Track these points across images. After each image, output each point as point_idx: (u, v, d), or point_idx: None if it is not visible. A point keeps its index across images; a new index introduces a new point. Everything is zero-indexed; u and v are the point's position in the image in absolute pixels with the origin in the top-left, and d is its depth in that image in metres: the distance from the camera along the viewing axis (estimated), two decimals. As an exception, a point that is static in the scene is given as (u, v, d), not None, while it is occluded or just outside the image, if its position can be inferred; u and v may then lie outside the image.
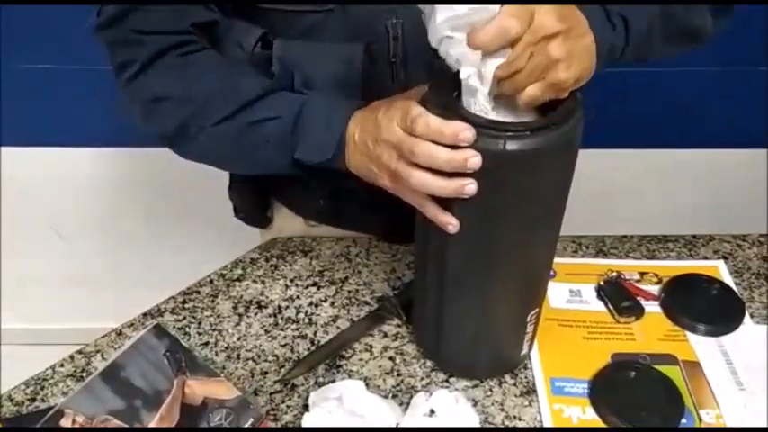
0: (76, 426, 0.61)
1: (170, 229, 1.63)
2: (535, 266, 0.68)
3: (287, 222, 0.99)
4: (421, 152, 0.58)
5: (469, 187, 0.57)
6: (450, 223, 0.60)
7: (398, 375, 0.76)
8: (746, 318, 0.80)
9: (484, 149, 0.55)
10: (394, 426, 0.69)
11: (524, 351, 0.75)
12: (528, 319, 0.71)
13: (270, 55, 0.75)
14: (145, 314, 0.85)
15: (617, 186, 1.25)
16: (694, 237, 0.93)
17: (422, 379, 0.76)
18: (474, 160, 0.56)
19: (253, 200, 0.99)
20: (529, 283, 0.69)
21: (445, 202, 0.60)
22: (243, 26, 0.76)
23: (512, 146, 0.55)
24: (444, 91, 0.61)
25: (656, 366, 0.74)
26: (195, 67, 0.73)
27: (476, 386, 0.75)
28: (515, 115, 0.60)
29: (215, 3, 0.74)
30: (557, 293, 0.84)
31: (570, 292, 0.84)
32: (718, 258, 0.89)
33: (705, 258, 0.89)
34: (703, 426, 0.70)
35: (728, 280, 0.85)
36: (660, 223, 1.01)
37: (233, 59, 0.76)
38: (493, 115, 0.58)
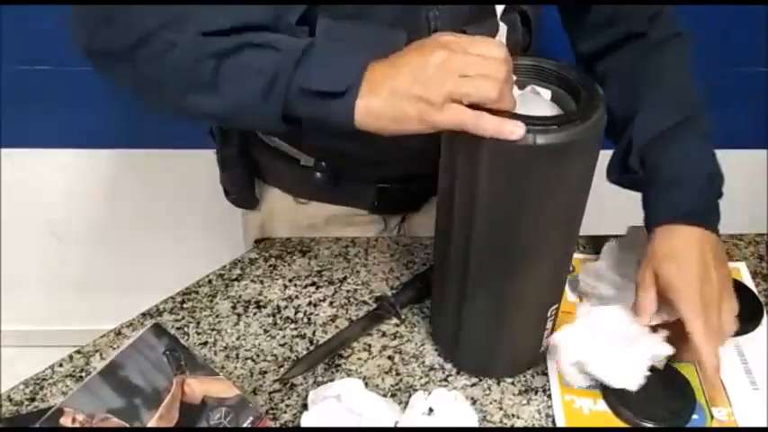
0: (76, 425, 0.61)
1: (168, 230, 1.63)
2: (557, 262, 0.68)
3: (276, 201, 0.99)
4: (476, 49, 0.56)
5: None
6: (517, 126, 0.55)
7: (397, 374, 0.77)
8: (765, 319, 0.80)
9: (513, 143, 0.55)
10: (392, 424, 0.69)
11: (543, 348, 0.75)
12: (548, 315, 0.71)
13: (306, 31, 0.70)
14: (144, 314, 0.85)
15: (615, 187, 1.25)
16: (691, 236, 0.93)
17: (420, 378, 0.76)
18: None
19: (245, 182, 0.99)
20: (551, 278, 0.69)
21: (471, 199, 0.60)
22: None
23: (541, 140, 0.55)
24: None
25: (671, 363, 0.74)
26: None
27: (474, 385, 0.75)
28: (535, 108, 0.60)
29: None
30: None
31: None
32: (735, 260, 0.89)
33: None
34: (715, 423, 0.70)
35: (749, 282, 0.85)
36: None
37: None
38: (518, 109, 0.58)
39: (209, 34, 0.60)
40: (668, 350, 0.68)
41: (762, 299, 0.83)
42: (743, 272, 0.87)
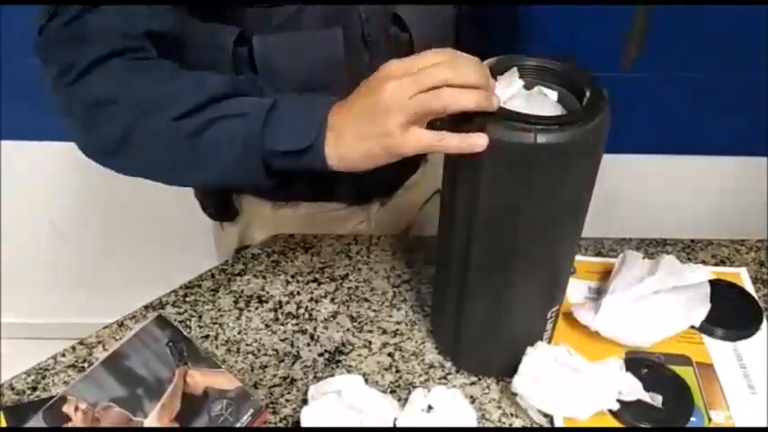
0: (79, 413, 0.62)
1: (170, 224, 1.64)
2: (558, 263, 0.68)
3: (254, 208, 0.99)
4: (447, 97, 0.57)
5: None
6: (479, 137, 0.57)
7: (397, 372, 0.77)
8: (764, 325, 0.80)
9: (515, 142, 0.56)
10: (392, 421, 0.70)
11: None
12: (548, 317, 0.72)
13: (246, 52, 0.76)
14: (146, 307, 0.85)
15: (616, 190, 1.26)
16: (692, 241, 0.93)
17: (420, 375, 0.77)
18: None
19: (219, 194, 0.99)
20: (551, 279, 0.69)
21: (471, 196, 0.60)
22: (215, 28, 0.76)
23: (542, 139, 0.56)
24: None
25: (670, 366, 0.75)
26: (151, 69, 0.70)
27: (473, 383, 0.76)
28: (541, 109, 0.60)
29: (189, 3, 0.73)
30: (576, 290, 0.84)
31: (589, 290, 0.85)
32: (735, 266, 0.89)
33: (704, 263, 0.89)
34: (712, 425, 0.70)
35: (749, 287, 0.86)
36: (659, 227, 1.02)
37: (205, 64, 0.72)
38: (520, 108, 0.59)
39: (179, 118, 0.65)
40: (635, 381, 0.69)
41: (762, 304, 0.83)
42: (743, 277, 0.87)
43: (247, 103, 0.66)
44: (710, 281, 0.81)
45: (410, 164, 0.80)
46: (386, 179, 0.98)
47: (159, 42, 0.72)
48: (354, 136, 0.62)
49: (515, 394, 0.70)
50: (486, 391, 0.75)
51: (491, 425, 0.72)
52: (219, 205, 1.00)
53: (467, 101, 0.57)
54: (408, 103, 0.58)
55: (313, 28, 0.77)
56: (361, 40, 0.80)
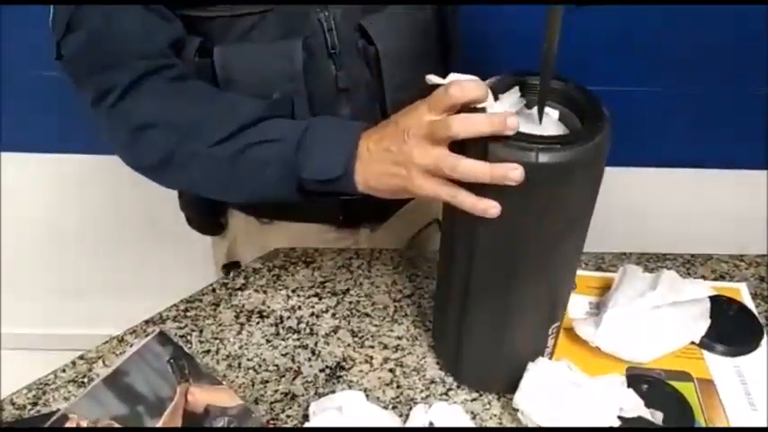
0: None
1: (171, 234, 1.63)
2: (559, 280, 0.69)
3: (241, 225, 0.99)
4: (463, 169, 0.58)
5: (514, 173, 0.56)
6: (492, 206, 0.58)
7: (398, 387, 0.77)
8: (765, 341, 0.81)
9: (515, 161, 0.56)
10: (393, 437, 0.70)
11: None
12: (550, 333, 0.72)
13: (208, 63, 0.77)
14: (147, 321, 0.85)
15: (615, 204, 1.26)
16: (692, 256, 0.94)
17: (421, 391, 0.77)
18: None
19: (204, 208, 0.99)
20: (552, 296, 0.69)
21: (473, 215, 0.60)
22: None
23: (544, 158, 0.56)
24: None
25: (670, 382, 0.75)
26: (186, 92, 0.73)
27: (474, 400, 0.76)
28: (542, 129, 0.61)
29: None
30: (576, 305, 0.84)
31: (589, 305, 0.85)
32: (735, 281, 0.90)
33: (704, 278, 0.90)
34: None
35: (749, 303, 0.86)
36: (659, 241, 1.02)
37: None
38: (522, 127, 0.59)
39: (217, 143, 0.69)
40: (636, 397, 0.69)
41: (762, 320, 0.83)
42: (743, 292, 0.87)
43: (281, 127, 0.70)
44: (710, 296, 0.81)
45: None
46: (376, 206, 0.96)
47: (179, 51, 0.74)
48: (380, 172, 0.64)
49: (517, 410, 0.70)
50: (488, 407, 0.75)
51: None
52: (205, 220, 1.01)
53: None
54: (415, 169, 0.61)
55: (273, 39, 0.77)
56: (325, 51, 0.80)
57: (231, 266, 0.99)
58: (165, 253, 1.65)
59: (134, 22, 0.71)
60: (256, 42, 0.77)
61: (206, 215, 1.00)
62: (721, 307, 0.82)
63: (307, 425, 0.70)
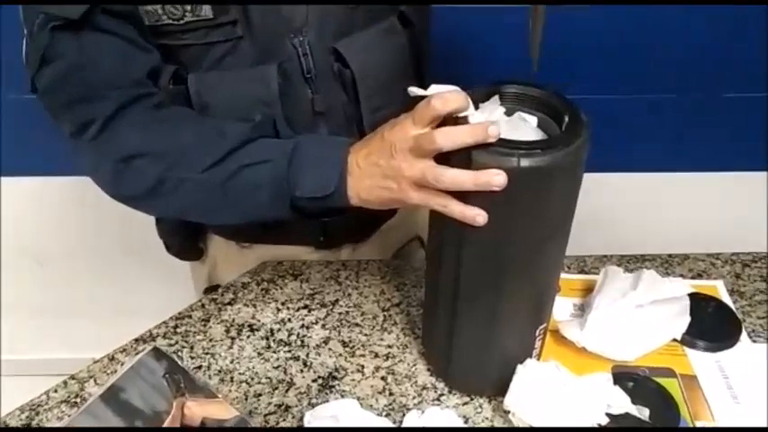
0: (77, 448, 0.62)
1: (151, 260, 1.63)
2: (545, 282, 0.70)
3: (221, 249, 0.99)
4: (447, 179, 0.60)
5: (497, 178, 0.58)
6: (479, 214, 0.60)
7: (390, 395, 0.78)
8: (743, 335, 0.83)
9: (498, 167, 0.58)
10: (388, 443, 0.71)
11: None
12: (537, 335, 0.73)
13: (183, 90, 0.77)
14: (137, 339, 0.86)
15: (601, 207, 1.29)
16: (670, 256, 0.96)
17: (414, 398, 0.78)
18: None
19: (183, 234, 0.99)
20: (538, 298, 0.71)
21: (459, 221, 0.62)
22: None
23: (525, 162, 0.58)
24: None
25: (655, 378, 0.77)
26: (170, 120, 0.74)
27: (466, 404, 0.77)
28: (522, 135, 0.63)
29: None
30: (561, 308, 0.86)
31: (574, 307, 0.87)
32: (712, 278, 0.92)
33: (682, 277, 0.92)
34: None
35: (727, 299, 0.88)
36: (638, 243, 1.04)
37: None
38: (502, 134, 0.61)
39: (207, 169, 0.70)
40: (622, 394, 0.71)
41: (739, 315, 0.86)
42: (720, 289, 0.90)
43: (269, 147, 0.71)
44: (689, 294, 0.84)
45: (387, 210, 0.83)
46: (357, 224, 0.97)
47: (156, 79, 0.74)
48: (372, 186, 0.66)
49: (508, 412, 0.72)
50: (479, 410, 0.76)
51: (485, 443, 0.73)
52: (184, 245, 1.00)
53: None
54: (402, 183, 0.64)
55: (247, 65, 0.78)
56: (301, 76, 0.80)
57: (213, 290, 0.99)
58: (146, 276, 1.64)
59: (111, 52, 0.71)
60: (231, 69, 0.78)
61: (184, 241, 1.00)
62: (700, 304, 0.84)
63: (302, 435, 0.71)
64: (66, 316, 1.72)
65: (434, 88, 0.63)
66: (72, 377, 0.81)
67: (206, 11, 0.73)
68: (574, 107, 0.64)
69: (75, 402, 0.77)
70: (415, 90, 0.63)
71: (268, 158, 0.70)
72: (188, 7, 0.72)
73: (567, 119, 0.63)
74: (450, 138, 0.59)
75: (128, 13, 0.71)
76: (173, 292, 1.10)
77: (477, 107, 0.63)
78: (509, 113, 0.66)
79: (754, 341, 0.83)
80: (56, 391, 0.79)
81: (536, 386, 0.71)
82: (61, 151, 1.44)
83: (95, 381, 0.80)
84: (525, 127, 0.65)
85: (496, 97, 0.65)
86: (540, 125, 0.66)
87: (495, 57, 1.14)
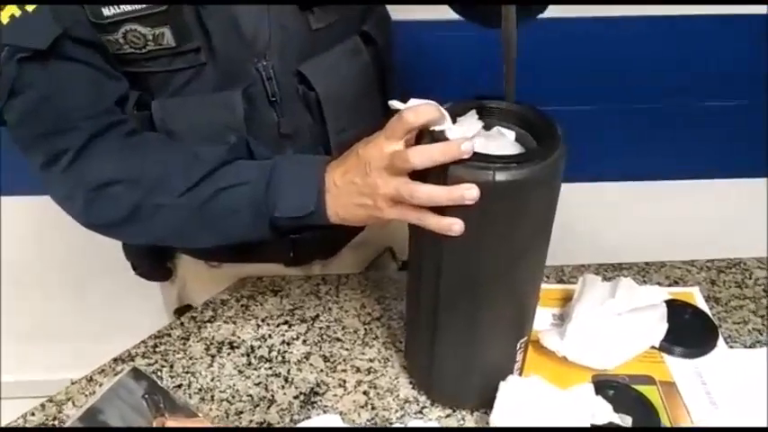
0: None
1: (128, 277, 1.61)
2: (524, 294, 0.71)
3: (189, 269, 0.99)
4: (422, 195, 0.61)
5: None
6: (455, 223, 0.61)
7: (373, 409, 0.78)
8: (720, 341, 0.84)
9: (474, 180, 0.59)
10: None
11: None
12: (518, 347, 0.73)
13: (147, 116, 0.77)
14: (115, 360, 0.85)
15: (580, 218, 1.31)
16: (647, 264, 0.97)
17: (396, 411, 0.78)
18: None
19: (151, 256, 0.98)
20: (518, 310, 0.71)
21: (437, 235, 0.63)
22: None
23: (501, 176, 0.59)
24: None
25: (635, 386, 0.77)
26: (142, 146, 0.74)
27: (449, 416, 0.77)
28: (500, 149, 0.63)
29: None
30: (540, 318, 0.85)
31: (553, 317, 0.88)
32: (688, 285, 0.93)
33: (659, 284, 0.93)
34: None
35: (703, 306, 0.90)
36: (614, 253, 1.05)
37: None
38: (480, 148, 0.61)
39: (184, 193, 0.70)
40: (605, 404, 0.71)
41: (716, 321, 0.87)
42: (696, 296, 0.91)
43: (246, 170, 0.71)
44: (666, 301, 0.85)
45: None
46: (326, 240, 0.97)
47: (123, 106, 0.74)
48: (349, 204, 0.67)
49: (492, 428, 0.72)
50: (462, 422, 0.76)
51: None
52: (152, 266, 0.99)
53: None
54: (379, 198, 0.64)
55: (211, 90, 0.78)
56: (266, 99, 0.80)
57: (184, 310, 0.98)
58: (124, 296, 1.62)
59: (81, 81, 0.71)
60: (195, 94, 0.78)
61: (153, 262, 0.99)
62: (677, 311, 0.86)
63: (285, 452, 0.71)
64: (44, 337, 1.69)
65: (413, 102, 0.63)
66: (50, 399, 0.79)
67: (168, 40, 0.73)
68: (550, 121, 0.64)
69: (53, 425, 0.76)
70: (395, 103, 0.64)
71: (245, 181, 0.70)
72: (150, 36, 0.72)
73: (543, 133, 0.63)
74: (423, 156, 0.60)
75: (95, 40, 0.71)
76: (151, 311, 1.09)
77: (455, 121, 0.64)
78: (487, 128, 0.66)
79: (731, 347, 0.84)
80: (33, 414, 0.77)
81: (520, 402, 0.71)
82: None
83: (73, 402, 0.79)
84: (503, 141, 0.66)
85: (474, 111, 0.66)
86: (517, 139, 0.66)
87: (469, 70, 1.15)
